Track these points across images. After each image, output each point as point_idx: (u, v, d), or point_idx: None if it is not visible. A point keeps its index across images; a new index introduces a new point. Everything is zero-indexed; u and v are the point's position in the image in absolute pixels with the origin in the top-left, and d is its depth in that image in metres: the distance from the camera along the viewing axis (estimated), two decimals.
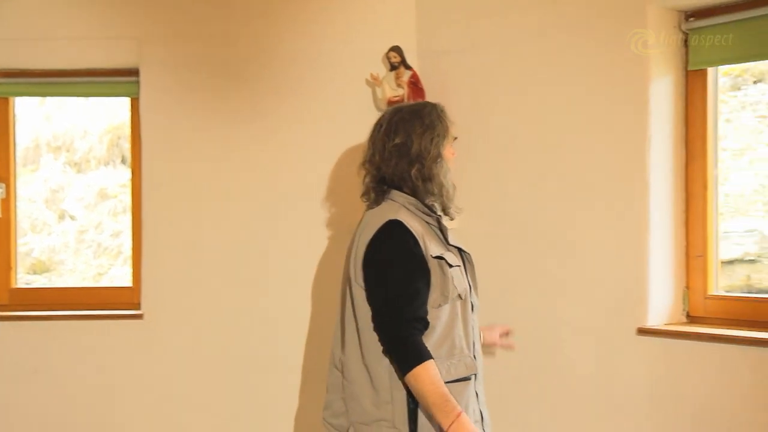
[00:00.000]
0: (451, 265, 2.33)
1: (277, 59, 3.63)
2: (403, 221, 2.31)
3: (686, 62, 3.04)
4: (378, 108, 3.52)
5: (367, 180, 2.47)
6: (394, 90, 3.45)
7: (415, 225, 2.33)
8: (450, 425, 2.19)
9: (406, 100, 3.42)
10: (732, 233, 4.14)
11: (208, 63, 3.64)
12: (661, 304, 3.05)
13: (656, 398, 2.99)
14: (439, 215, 2.44)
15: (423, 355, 2.22)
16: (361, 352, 2.36)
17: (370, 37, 3.54)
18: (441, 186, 2.40)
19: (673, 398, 2.95)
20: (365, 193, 2.48)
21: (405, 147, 2.38)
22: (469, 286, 2.43)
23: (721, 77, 4.22)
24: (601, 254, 3.11)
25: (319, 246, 3.61)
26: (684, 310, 3.10)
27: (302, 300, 3.63)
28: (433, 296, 2.31)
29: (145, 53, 3.64)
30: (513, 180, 3.30)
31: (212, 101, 3.66)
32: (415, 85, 3.43)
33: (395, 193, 2.40)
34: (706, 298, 3.05)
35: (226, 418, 3.66)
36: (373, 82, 3.48)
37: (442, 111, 2.47)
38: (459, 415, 2.19)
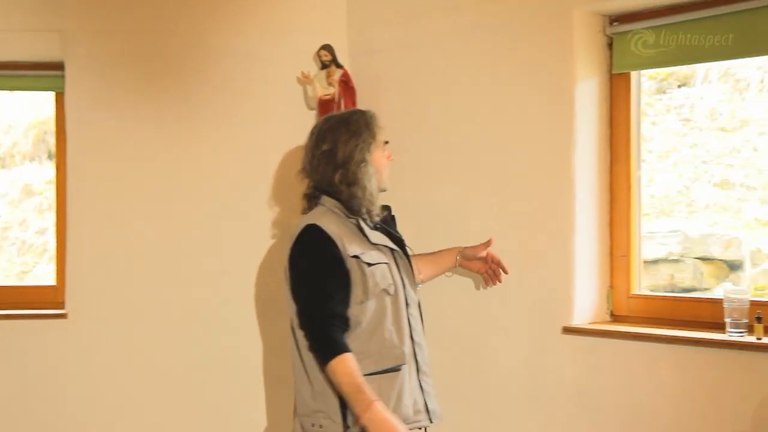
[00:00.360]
0: (370, 264, 2.48)
1: (207, 56, 3.59)
2: (320, 225, 2.49)
3: (610, 65, 3.10)
4: (309, 106, 3.50)
5: (305, 187, 2.66)
6: (324, 88, 3.43)
7: (334, 228, 2.50)
8: (364, 413, 2.33)
9: (336, 99, 3.41)
10: (657, 234, 4.25)
11: (136, 58, 3.57)
12: (586, 304, 3.10)
13: (581, 395, 3.04)
14: (364, 217, 2.58)
15: (338, 350, 2.38)
16: (298, 349, 2.54)
17: (301, 35, 3.52)
18: (365, 189, 2.54)
19: (597, 395, 3.00)
20: (303, 199, 2.66)
21: (331, 154, 2.55)
22: (402, 282, 2.57)
23: (647, 81, 4.32)
24: (528, 254, 3.15)
25: (250, 245, 3.58)
26: (608, 309, 3.15)
27: (231, 298, 3.60)
28: (356, 293, 2.47)
29: (70, 47, 3.55)
30: (441, 178, 3.32)
31: (140, 97, 3.59)
32: (346, 83, 3.42)
33: (324, 198, 2.57)
34: (629, 297, 3.11)
35: (154, 420, 3.60)
36: (304, 81, 3.45)
37: (371, 118, 2.61)
38: (372, 403, 2.33)
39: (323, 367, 2.40)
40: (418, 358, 2.57)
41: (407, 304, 2.57)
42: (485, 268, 2.98)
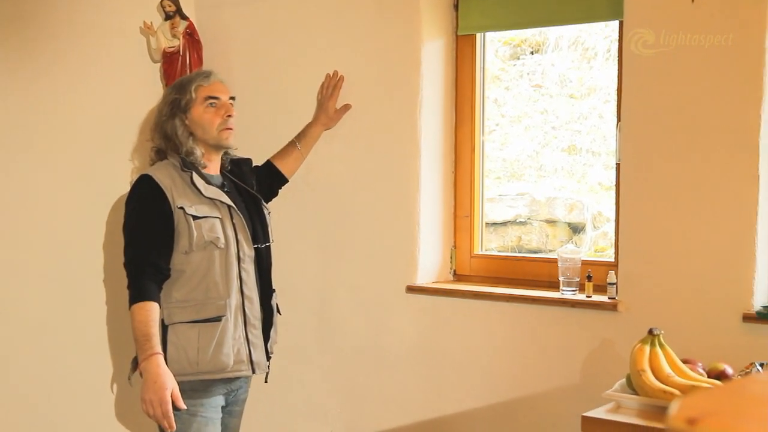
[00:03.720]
0: (196, 216, 2.61)
1: (46, 2, 3.37)
2: (152, 175, 2.65)
3: (456, 27, 3.11)
4: (153, 59, 3.35)
5: None
6: (169, 40, 3.29)
7: (167, 180, 2.64)
8: (142, 361, 2.52)
9: (181, 52, 3.28)
10: (506, 196, 4.35)
11: None
12: (429, 263, 3.14)
13: (423, 353, 3.09)
14: (201, 170, 2.72)
15: (141, 296, 2.55)
16: None
17: None
18: (180, 144, 2.71)
19: (438, 353, 3.06)
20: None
21: (159, 113, 2.80)
22: (236, 237, 2.68)
23: (502, 47, 4.38)
24: (373, 214, 3.16)
25: (94, 202, 3.41)
26: (451, 268, 3.21)
27: (76, 249, 3.43)
28: (181, 243, 2.62)
29: None
30: (288, 135, 3.25)
31: None
32: (191, 36, 3.30)
33: (170, 153, 2.74)
34: (471, 257, 3.17)
35: None
36: (147, 32, 3.31)
37: (196, 75, 2.83)
38: (152, 355, 2.51)
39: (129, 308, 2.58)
40: (247, 311, 2.69)
41: (239, 259, 2.67)
42: (326, 105, 3.15)
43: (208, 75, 2.78)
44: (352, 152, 3.20)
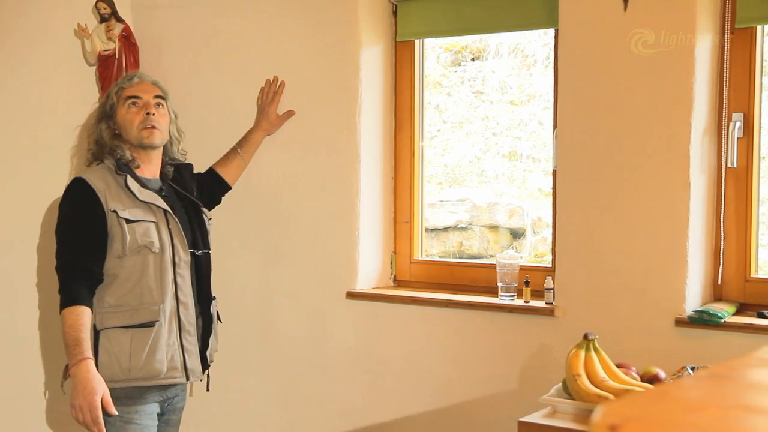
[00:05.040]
0: (129, 220, 2.57)
1: None
2: (85, 178, 2.62)
3: (395, 33, 3.12)
4: (88, 62, 3.29)
5: None
6: (104, 43, 3.23)
7: (100, 183, 2.61)
8: (72, 366, 2.47)
9: (117, 56, 3.23)
10: (447, 202, 4.37)
11: None
12: (370, 269, 3.13)
13: (363, 359, 3.08)
14: (134, 173, 2.68)
15: (71, 300, 2.51)
16: None
17: None
18: (108, 147, 2.69)
19: (378, 359, 3.05)
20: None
21: (91, 120, 2.88)
22: (172, 242, 2.64)
23: (443, 53, 4.41)
24: (313, 219, 3.14)
25: (21, 202, 3.33)
26: (392, 274, 3.21)
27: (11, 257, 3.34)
28: (115, 247, 2.58)
29: None
30: (226, 143, 3.22)
31: None
32: (127, 39, 3.24)
33: (105, 157, 2.71)
34: (411, 262, 3.18)
35: None
36: (82, 34, 3.24)
37: (121, 79, 2.83)
38: (82, 360, 2.46)
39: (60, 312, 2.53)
40: (182, 317, 2.65)
41: (175, 264, 2.64)
42: (267, 111, 3.14)
43: (131, 77, 2.77)
44: (292, 158, 3.18)
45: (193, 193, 2.85)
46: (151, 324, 2.58)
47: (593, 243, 2.66)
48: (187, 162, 2.92)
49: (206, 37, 3.29)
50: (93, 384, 2.45)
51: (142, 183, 2.67)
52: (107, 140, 2.68)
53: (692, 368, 2.29)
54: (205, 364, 2.77)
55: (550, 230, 3.26)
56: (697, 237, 2.56)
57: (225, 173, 3.08)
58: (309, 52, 3.11)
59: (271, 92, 3.15)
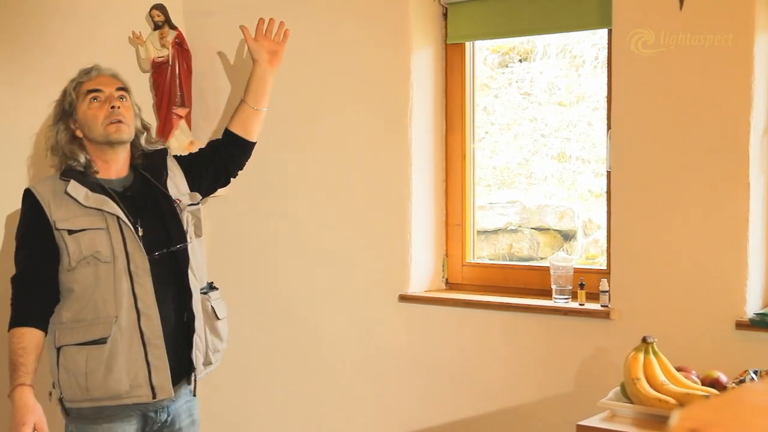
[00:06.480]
0: (72, 231, 2.38)
1: (35, 12, 3.35)
2: (32, 189, 2.45)
3: (445, 36, 3.12)
4: (142, 68, 3.34)
5: None
6: (158, 50, 3.28)
7: (46, 192, 2.43)
8: (10, 392, 2.32)
9: (170, 62, 3.27)
10: (497, 204, 4.35)
11: None
12: (422, 272, 3.13)
13: (416, 363, 3.08)
14: (79, 175, 2.46)
15: (14, 322, 2.37)
16: None
17: None
18: (61, 153, 2.49)
19: (431, 362, 3.05)
20: None
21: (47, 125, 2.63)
22: (125, 249, 2.39)
23: (490, 54, 4.39)
24: (365, 223, 3.15)
25: None
26: (443, 277, 3.20)
27: None
28: (65, 260, 2.39)
29: None
30: (278, 147, 3.25)
31: None
32: (180, 45, 3.29)
33: (63, 162, 2.51)
34: (463, 265, 3.17)
35: None
36: (136, 42, 3.29)
37: (78, 74, 2.58)
38: (18, 386, 2.30)
39: None
40: (144, 330, 2.39)
41: (131, 273, 2.39)
42: (261, 43, 2.85)
43: (89, 71, 2.56)
44: (343, 160, 3.19)
45: (162, 180, 2.55)
46: (102, 341, 2.36)
47: (650, 244, 2.63)
48: (159, 147, 2.65)
49: None
50: (22, 413, 2.27)
51: (93, 186, 2.43)
52: (63, 144, 2.48)
53: (755, 372, 2.25)
54: (185, 371, 2.48)
55: (602, 232, 3.23)
56: (757, 238, 2.51)
57: (239, 128, 2.76)
58: (361, 56, 3.12)
59: (280, 32, 2.86)
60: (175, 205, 2.52)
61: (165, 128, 3.27)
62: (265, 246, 3.38)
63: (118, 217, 2.41)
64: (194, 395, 2.55)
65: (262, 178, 3.35)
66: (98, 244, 2.38)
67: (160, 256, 2.44)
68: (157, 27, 3.28)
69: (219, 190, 2.85)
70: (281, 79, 3.30)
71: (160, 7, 3.26)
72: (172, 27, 3.28)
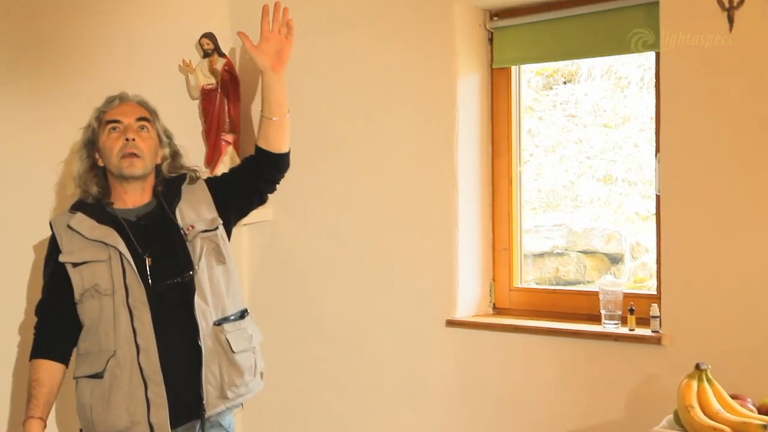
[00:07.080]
0: (75, 264, 2.40)
1: (84, 40, 3.42)
2: (51, 221, 2.51)
3: (491, 60, 3.12)
4: (191, 96, 3.40)
5: None
6: (207, 77, 3.34)
7: (61, 225, 2.46)
8: (22, 424, 2.38)
9: (220, 90, 3.33)
10: (542, 227, 4.32)
11: (2, 38, 3.35)
12: (469, 296, 3.12)
13: (463, 388, 3.06)
14: (88, 206, 2.48)
15: (35, 352, 2.44)
16: None
17: (182, 22, 3.40)
18: (77, 179, 2.51)
19: (479, 387, 3.03)
20: None
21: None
22: (125, 281, 2.37)
23: (535, 77, 4.38)
24: (412, 247, 3.16)
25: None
26: (491, 302, 3.19)
27: None
28: (76, 293, 2.42)
29: None
30: (326, 172, 3.28)
31: (7, 80, 3.37)
32: (229, 73, 3.34)
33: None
34: (510, 290, 3.15)
35: None
36: (186, 69, 3.35)
37: (103, 103, 2.56)
38: (27, 419, 2.36)
39: None
40: (143, 366, 2.34)
41: (130, 306, 2.35)
42: (273, 49, 2.61)
43: (113, 99, 2.53)
44: (390, 184, 3.20)
45: (173, 207, 2.49)
46: (97, 376, 2.36)
47: (701, 268, 2.59)
48: (181, 173, 2.58)
49: (305, 67, 3.35)
50: None
51: (102, 217, 2.43)
52: (81, 173, 2.49)
53: None
54: (196, 405, 2.39)
55: (650, 255, 3.19)
56: None
57: (263, 142, 2.60)
58: (408, 81, 3.14)
59: (283, 26, 2.62)
60: (183, 232, 2.45)
61: (214, 154, 3.32)
62: (312, 270, 3.40)
63: (119, 250, 2.38)
64: (202, 430, 2.43)
65: (309, 202, 3.38)
66: (98, 277, 2.38)
67: (168, 287, 2.38)
68: (206, 55, 3.34)
69: (264, 212, 2.82)
70: (330, 104, 3.33)
71: (210, 36, 3.32)
72: (221, 55, 3.34)
